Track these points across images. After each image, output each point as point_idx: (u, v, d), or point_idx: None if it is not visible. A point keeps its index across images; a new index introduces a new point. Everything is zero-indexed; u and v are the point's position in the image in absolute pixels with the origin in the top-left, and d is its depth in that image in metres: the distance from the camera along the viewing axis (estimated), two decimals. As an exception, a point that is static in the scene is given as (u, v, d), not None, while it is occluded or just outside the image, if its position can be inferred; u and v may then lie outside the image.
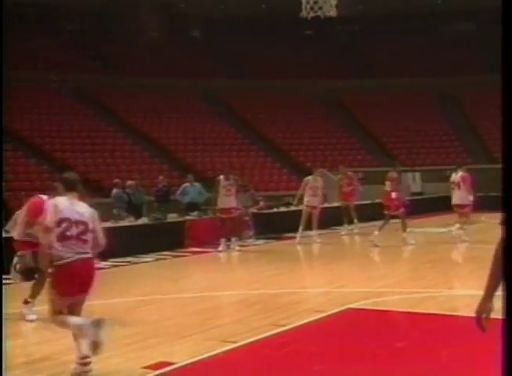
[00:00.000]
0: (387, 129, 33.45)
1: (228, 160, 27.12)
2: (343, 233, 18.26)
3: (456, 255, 14.72)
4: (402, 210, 15.29)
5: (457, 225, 15.42)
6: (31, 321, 7.75)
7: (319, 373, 5.70)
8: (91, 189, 23.15)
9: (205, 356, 6.15)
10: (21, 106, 26.65)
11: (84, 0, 34.89)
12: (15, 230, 8.28)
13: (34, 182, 21.87)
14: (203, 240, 16.00)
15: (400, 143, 32.81)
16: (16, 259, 8.34)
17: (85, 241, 5.74)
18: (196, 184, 18.72)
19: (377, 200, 19.39)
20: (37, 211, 6.85)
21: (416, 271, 12.01)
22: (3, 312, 7.14)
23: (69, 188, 5.92)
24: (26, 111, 27.48)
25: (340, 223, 18.50)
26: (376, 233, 15.15)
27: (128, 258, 13.65)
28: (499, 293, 3.01)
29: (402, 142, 32.86)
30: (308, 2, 14.91)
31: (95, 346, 5.46)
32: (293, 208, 18.49)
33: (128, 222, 15.84)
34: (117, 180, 18.61)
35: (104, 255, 11.89)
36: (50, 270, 5.67)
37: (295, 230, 16.27)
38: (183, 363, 5.93)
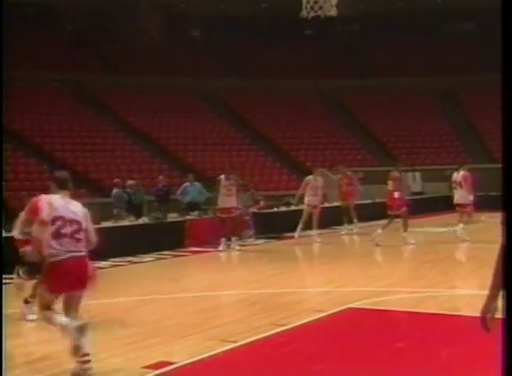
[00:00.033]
0: (387, 129, 33.44)
1: (228, 160, 27.12)
2: (343, 232, 18.25)
3: (457, 255, 14.71)
4: (404, 209, 15.27)
5: (461, 225, 15.40)
6: (31, 321, 7.74)
7: (319, 373, 5.70)
8: (91, 188, 23.20)
9: (205, 355, 6.14)
10: (21, 106, 26.65)
11: (84, 0, 34.90)
12: (15, 229, 8.29)
13: (34, 182, 21.89)
14: (203, 239, 15.99)
15: (400, 143, 32.81)
16: (17, 268, 8.41)
17: (79, 240, 5.77)
18: (197, 184, 18.71)
19: (377, 200, 19.42)
20: (37, 209, 6.87)
21: (417, 271, 12.00)
22: (3, 312, 7.14)
23: (61, 186, 5.97)
24: (26, 111, 27.49)
25: (340, 223, 18.50)
26: (379, 231, 15.14)
27: (128, 258, 13.66)
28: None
29: (402, 142, 32.86)
30: (308, 2, 14.86)
31: (76, 350, 5.50)
32: (293, 208, 18.51)
33: (129, 221, 15.85)
34: (117, 180, 18.63)
35: (104, 255, 12.04)
36: (43, 266, 5.71)
37: (295, 230, 16.30)
38: (183, 363, 5.92)
